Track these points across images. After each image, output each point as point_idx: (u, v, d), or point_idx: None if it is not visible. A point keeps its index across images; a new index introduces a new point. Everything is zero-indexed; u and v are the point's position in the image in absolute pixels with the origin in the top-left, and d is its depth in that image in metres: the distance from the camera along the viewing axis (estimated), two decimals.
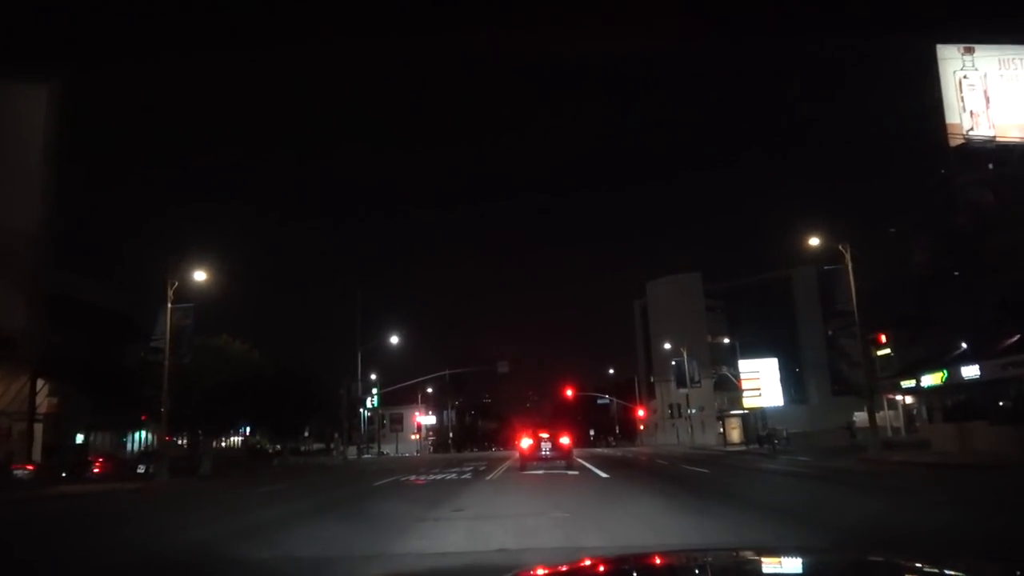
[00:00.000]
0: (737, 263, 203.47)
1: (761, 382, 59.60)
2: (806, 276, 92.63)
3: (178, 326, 32.08)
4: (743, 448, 51.35)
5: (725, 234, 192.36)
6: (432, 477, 25.78)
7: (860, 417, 78.48)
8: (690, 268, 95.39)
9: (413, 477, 25.83)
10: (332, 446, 65.06)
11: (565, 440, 29.67)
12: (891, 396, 64.72)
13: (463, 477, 25.08)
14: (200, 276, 32.24)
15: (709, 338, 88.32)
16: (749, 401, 59.03)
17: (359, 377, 61.57)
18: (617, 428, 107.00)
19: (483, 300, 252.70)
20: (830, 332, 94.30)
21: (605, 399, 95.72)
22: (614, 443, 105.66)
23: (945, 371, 54.83)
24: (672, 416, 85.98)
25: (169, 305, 31.63)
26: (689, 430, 68.82)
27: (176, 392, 32.81)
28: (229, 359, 35.84)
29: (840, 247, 32.09)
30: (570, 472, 25.64)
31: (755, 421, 55.15)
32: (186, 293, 32.73)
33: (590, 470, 27.61)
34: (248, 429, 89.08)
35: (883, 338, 65.84)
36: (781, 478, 22.78)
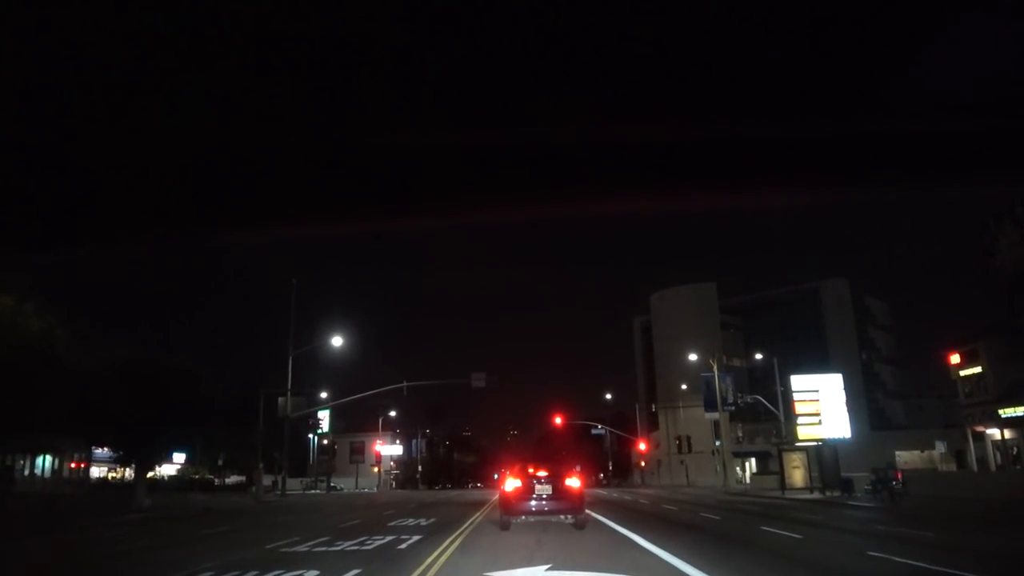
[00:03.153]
0: (752, 276, 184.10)
1: (822, 405, 42.91)
2: (837, 288, 76.86)
3: None
4: (818, 495, 34.44)
5: (738, 243, 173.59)
6: None
7: (904, 457, 62.35)
8: (703, 279, 79.12)
9: None
10: (254, 480, 47.54)
11: (573, 482, 16.72)
12: (979, 429, 48.28)
13: None
14: None
15: (724, 359, 71.71)
16: (806, 431, 42.32)
17: (289, 389, 44.61)
18: (610, 465, 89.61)
19: (464, 320, 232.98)
20: (864, 356, 78.42)
21: (599, 429, 78.51)
22: (605, 482, 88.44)
23: None
24: (680, 451, 69.17)
25: None
26: (719, 468, 51.75)
27: None
28: None
29: None
30: None
31: (819, 458, 38.36)
32: None
33: (655, 556, 10.78)
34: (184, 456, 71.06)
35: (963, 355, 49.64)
36: None
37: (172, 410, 28.54)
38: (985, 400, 46.24)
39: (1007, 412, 44.79)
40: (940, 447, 54.38)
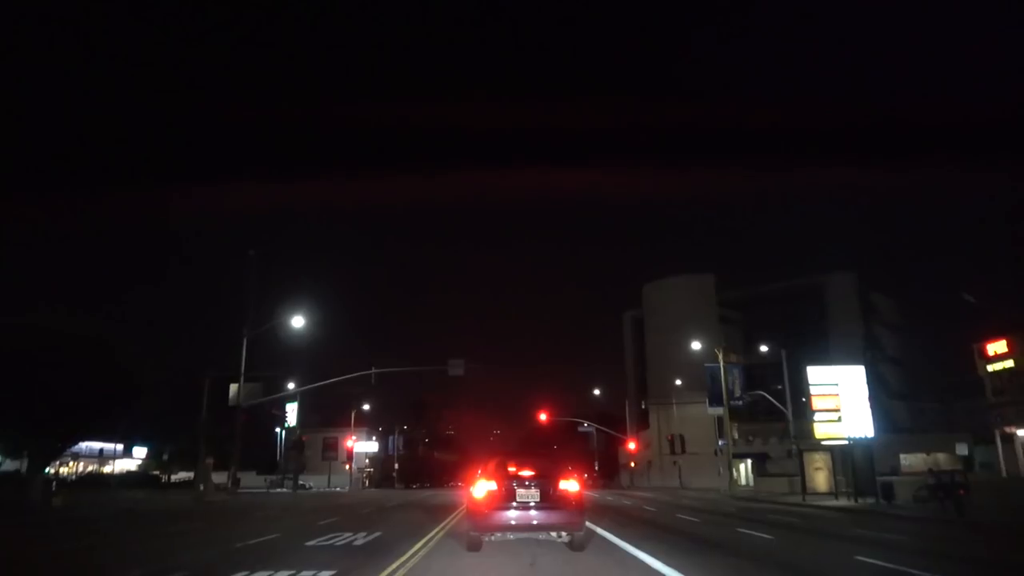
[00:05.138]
0: (755, 270, 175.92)
1: (842, 401, 37.45)
2: (843, 283, 71.56)
3: None
4: (845, 502, 29.00)
5: (740, 236, 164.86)
6: None
7: (909, 460, 57.43)
8: (701, 270, 73.62)
9: None
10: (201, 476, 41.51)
11: (571, 485, 11.40)
12: (1010, 430, 43.11)
13: None
14: None
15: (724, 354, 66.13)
16: (824, 429, 36.82)
17: (242, 373, 38.77)
18: (597, 465, 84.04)
19: (445, 308, 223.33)
20: (868, 355, 73.04)
21: (587, 427, 72.91)
22: (592, 484, 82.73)
23: None
24: (673, 451, 63.58)
25: None
26: (722, 470, 46.38)
27: None
28: None
29: None
30: None
31: (851, 459, 32.91)
32: None
33: None
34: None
35: (1002, 346, 44.37)
36: None
37: (73, 387, 22.47)
38: (1019, 400, 41.10)
39: None
40: (961, 449, 49.10)
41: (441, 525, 16.65)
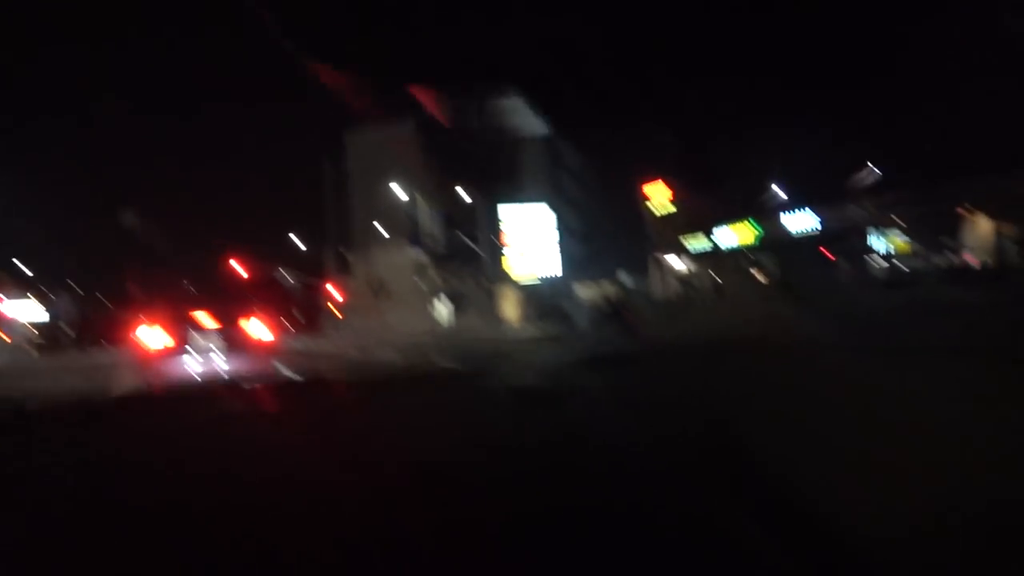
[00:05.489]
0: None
1: (529, 238, 40.50)
2: (536, 130, 75.55)
3: None
4: (538, 332, 32.00)
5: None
6: None
7: (584, 292, 65.23)
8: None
9: None
10: None
11: (257, 328, 11.82)
12: (661, 256, 50.32)
13: None
14: None
15: (425, 199, 67.22)
16: (514, 266, 40.06)
17: None
18: (299, 313, 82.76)
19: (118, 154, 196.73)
20: (553, 197, 79.48)
21: (286, 275, 71.34)
22: (295, 333, 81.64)
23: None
24: (377, 296, 64.89)
25: None
26: (428, 309, 48.38)
27: None
28: None
29: None
30: None
31: (535, 294, 36.16)
32: None
33: None
34: None
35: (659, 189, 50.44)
36: None
37: None
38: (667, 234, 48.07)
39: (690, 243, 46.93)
40: (626, 280, 56.47)
41: (114, 386, 14.89)
